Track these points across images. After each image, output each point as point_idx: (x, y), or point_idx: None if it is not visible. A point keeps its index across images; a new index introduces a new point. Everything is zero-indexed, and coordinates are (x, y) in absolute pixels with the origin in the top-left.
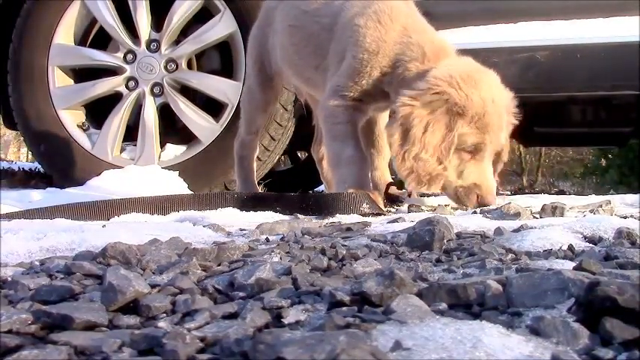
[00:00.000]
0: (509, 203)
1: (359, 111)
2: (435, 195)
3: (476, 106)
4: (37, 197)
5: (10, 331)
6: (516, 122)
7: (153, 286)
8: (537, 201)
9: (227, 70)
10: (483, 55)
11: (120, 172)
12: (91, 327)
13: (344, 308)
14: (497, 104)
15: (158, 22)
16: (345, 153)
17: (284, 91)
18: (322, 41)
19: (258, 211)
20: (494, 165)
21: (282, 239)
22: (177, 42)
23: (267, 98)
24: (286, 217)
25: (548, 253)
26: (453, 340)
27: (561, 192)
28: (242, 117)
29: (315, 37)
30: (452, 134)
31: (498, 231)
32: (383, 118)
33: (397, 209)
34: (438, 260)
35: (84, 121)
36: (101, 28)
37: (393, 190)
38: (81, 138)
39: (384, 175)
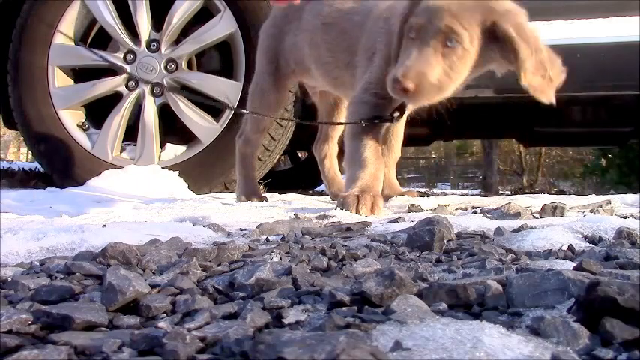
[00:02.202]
0: (509, 203)
1: (386, 110)
2: (436, 195)
3: None
4: (37, 197)
5: (10, 331)
6: None
7: (153, 286)
8: (537, 201)
9: (227, 70)
10: None
11: (120, 172)
12: (91, 327)
13: (344, 308)
14: None
15: (158, 22)
16: (361, 153)
17: None
18: (353, 38)
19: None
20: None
21: (282, 239)
22: (177, 42)
23: (279, 98)
24: (286, 217)
25: (548, 253)
26: (453, 340)
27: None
28: (249, 115)
29: (347, 34)
30: None
31: (498, 231)
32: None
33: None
34: (438, 260)
35: (84, 121)
36: (101, 28)
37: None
38: (81, 138)
39: (389, 173)
